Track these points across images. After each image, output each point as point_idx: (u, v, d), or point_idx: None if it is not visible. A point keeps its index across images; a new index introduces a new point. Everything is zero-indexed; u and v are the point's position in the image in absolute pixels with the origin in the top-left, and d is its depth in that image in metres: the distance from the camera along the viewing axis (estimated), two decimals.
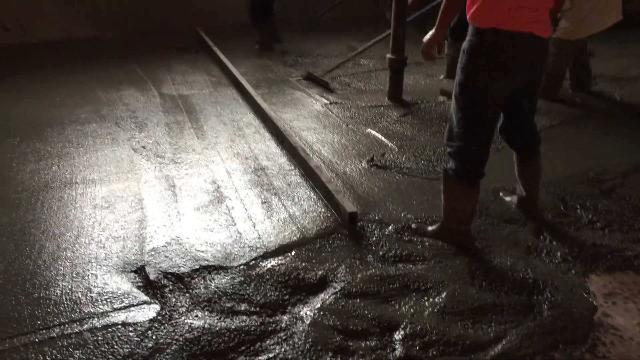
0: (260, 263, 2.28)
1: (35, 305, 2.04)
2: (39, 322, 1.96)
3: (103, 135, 3.66)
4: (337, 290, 2.11)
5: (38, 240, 2.46)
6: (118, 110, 4.14)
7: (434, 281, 2.15)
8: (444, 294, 2.08)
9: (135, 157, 3.33)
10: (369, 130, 3.75)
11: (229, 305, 2.03)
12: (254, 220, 2.61)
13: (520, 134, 2.40)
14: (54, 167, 3.19)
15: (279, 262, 2.28)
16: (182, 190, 2.91)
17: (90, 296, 2.09)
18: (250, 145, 3.49)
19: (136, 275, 2.21)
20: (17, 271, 2.24)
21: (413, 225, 2.53)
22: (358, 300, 2.05)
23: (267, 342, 1.86)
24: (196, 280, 2.18)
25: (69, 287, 2.14)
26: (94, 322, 1.96)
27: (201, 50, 6.04)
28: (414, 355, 1.80)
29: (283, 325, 1.94)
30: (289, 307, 2.04)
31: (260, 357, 1.80)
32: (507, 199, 2.74)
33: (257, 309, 2.02)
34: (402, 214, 2.65)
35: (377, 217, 2.62)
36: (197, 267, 2.25)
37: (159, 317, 1.98)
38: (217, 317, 1.97)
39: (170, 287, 2.14)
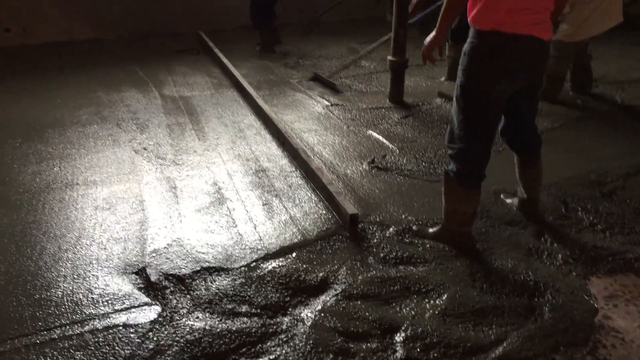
0: (261, 265, 2.29)
1: (36, 306, 2.04)
2: (40, 324, 1.96)
3: (104, 137, 3.66)
4: (338, 292, 2.11)
5: (39, 241, 2.46)
6: (119, 112, 4.14)
7: (435, 283, 2.15)
8: (445, 296, 2.08)
9: (137, 158, 3.33)
10: (370, 132, 3.75)
11: (230, 306, 2.03)
12: (255, 222, 2.61)
13: (521, 136, 2.40)
14: (55, 169, 3.19)
15: (280, 263, 2.29)
16: (183, 191, 2.91)
17: (92, 297, 2.09)
18: (252, 147, 3.50)
19: (137, 277, 2.22)
20: (18, 272, 2.24)
21: (414, 227, 2.53)
22: (359, 302, 2.05)
23: (268, 343, 1.87)
24: (197, 281, 2.18)
25: (70, 288, 2.14)
26: (95, 323, 1.96)
27: (202, 52, 6.04)
28: (415, 358, 1.80)
29: (284, 327, 1.94)
30: (290, 309, 2.04)
31: (261, 359, 1.80)
32: (508, 201, 2.74)
33: (258, 310, 2.02)
34: (403, 216, 2.65)
35: (378, 219, 2.62)
36: (198, 268, 2.26)
37: (160, 319, 1.98)
38: (218, 319, 1.97)
39: (171, 288, 2.14)
